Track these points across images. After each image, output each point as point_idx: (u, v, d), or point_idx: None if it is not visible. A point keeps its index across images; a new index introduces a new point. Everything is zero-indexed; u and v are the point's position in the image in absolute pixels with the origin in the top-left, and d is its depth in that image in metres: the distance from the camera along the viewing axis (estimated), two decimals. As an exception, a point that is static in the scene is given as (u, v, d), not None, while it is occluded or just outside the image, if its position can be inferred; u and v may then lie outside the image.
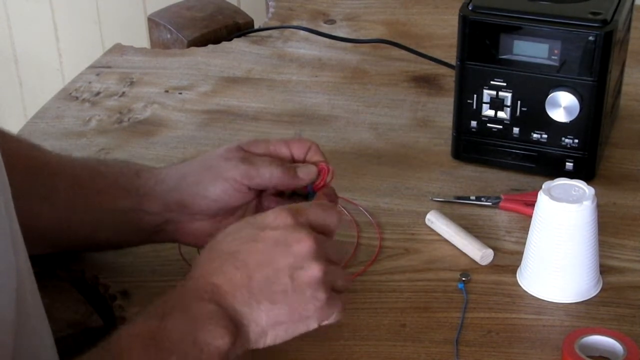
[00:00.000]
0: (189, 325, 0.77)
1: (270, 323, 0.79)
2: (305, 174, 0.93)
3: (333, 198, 0.93)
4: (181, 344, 0.76)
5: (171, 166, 0.99)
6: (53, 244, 0.97)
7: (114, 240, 0.98)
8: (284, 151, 0.95)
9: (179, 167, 0.97)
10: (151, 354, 0.76)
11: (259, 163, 0.93)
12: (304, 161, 0.95)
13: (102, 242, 0.99)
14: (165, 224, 0.95)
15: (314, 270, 0.79)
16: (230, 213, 0.95)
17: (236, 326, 0.78)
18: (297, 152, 0.95)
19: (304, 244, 0.79)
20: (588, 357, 0.86)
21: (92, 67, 1.41)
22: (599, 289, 0.97)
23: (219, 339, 0.77)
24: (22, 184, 0.80)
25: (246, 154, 0.94)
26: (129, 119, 1.28)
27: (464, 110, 1.14)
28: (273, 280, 0.79)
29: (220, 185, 0.93)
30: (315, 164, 0.95)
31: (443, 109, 1.28)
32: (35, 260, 0.82)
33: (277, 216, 0.81)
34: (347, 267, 1.01)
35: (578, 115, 1.09)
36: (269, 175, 0.92)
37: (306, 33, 1.48)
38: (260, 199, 0.96)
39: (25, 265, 0.80)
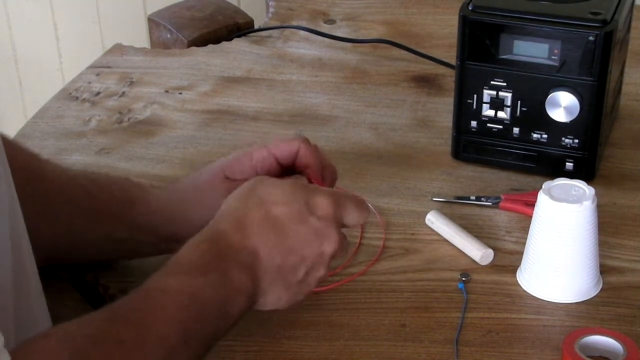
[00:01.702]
0: (225, 293, 0.79)
1: (273, 301, 0.83)
2: None
3: (334, 173, 0.95)
4: (214, 311, 0.78)
5: (163, 191, 0.97)
6: (52, 257, 0.96)
7: (112, 258, 0.99)
8: (269, 161, 0.94)
9: (170, 194, 0.96)
10: (190, 315, 0.76)
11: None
12: (294, 165, 0.94)
13: (98, 259, 0.99)
14: (160, 251, 0.95)
15: (323, 273, 0.85)
16: None
17: (254, 301, 0.82)
18: (283, 157, 0.94)
19: (333, 244, 0.84)
20: (588, 357, 0.86)
21: (92, 67, 1.41)
22: (599, 289, 0.97)
23: (238, 311, 0.80)
24: (20, 199, 0.80)
25: (231, 185, 0.91)
26: (129, 119, 1.28)
27: (464, 110, 1.14)
28: (297, 269, 0.83)
29: (207, 213, 0.90)
30: (303, 171, 0.93)
31: (443, 109, 1.28)
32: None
33: (327, 204, 0.83)
34: (347, 267, 1.01)
35: (578, 115, 1.09)
36: None
37: (306, 33, 1.48)
38: None
39: (31, 268, 0.80)
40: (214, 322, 0.78)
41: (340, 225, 0.84)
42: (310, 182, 0.92)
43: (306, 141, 0.94)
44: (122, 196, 0.96)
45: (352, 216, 0.86)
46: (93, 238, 0.95)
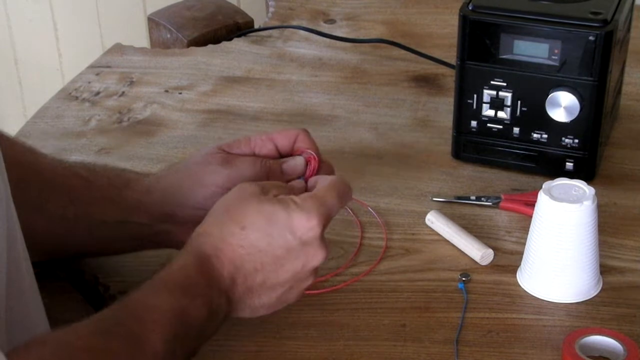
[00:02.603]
0: (205, 315, 0.81)
1: (251, 313, 0.86)
2: (291, 168, 0.92)
3: (332, 170, 0.94)
4: (196, 328, 0.81)
5: (158, 174, 0.97)
6: (47, 252, 0.96)
7: (108, 249, 0.98)
8: (268, 147, 0.94)
9: (164, 176, 0.96)
10: (175, 331, 0.79)
11: (240, 165, 0.92)
12: (291, 152, 0.94)
13: (95, 251, 0.98)
14: (156, 235, 0.95)
15: (310, 282, 0.86)
16: None
17: (229, 316, 0.85)
18: (283, 143, 0.94)
19: (317, 260, 0.84)
20: (588, 357, 0.86)
21: (92, 67, 1.41)
22: (599, 289, 0.97)
23: (215, 328, 0.83)
24: (14, 194, 0.80)
25: (226, 156, 0.93)
26: (128, 119, 1.28)
27: (464, 110, 1.14)
28: (280, 284, 0.84)
29: (201, 192, 0.92)
30: (301, 153, 0.93)
31: (443, 109, 1.28)
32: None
33: (307, 222, 0.82)
34: (349, 268, 1.01)
35: (578, 115, 1.09)
36: (252, 178, 0.91)
37: (306, 33, 1.48)
38: None
39: (26, 265, 0.81)
40: (195, 336, 0.81)
41: (323, 235, 0.84)
42: (307, 164, 0.92)
43: (305, 130, 0.95)
44: (117, 180, 0.96)
45: (336, 209, 0.85)
46: (88, 226, 0.94)
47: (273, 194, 0.84)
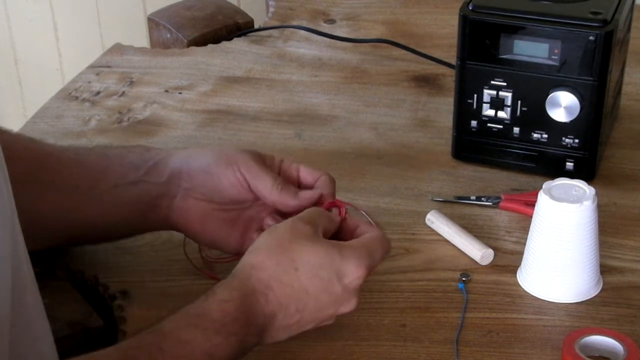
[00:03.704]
0: (237, 352, 0.82)
1: (279, 338, 0.86)
2: (306, 199, 0.93)
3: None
4: None
5: (185, 148, 1.00)
6: (52, 234, 0.96)
7: (111, 217, 0.97)
8: (292, 172, 0.95)
9: (191, 150, 0.99)
10: None
11: (265, 172, 0.93)
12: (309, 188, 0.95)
13: (98, 225, 0.97)
14: (161, 197, 0.95)
15: (330, 323, 0.87)
16: (225, 204, 0.94)
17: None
18: (305, 178, 0.95)
19: (349, 308, 0.85)
20: (588, 357, 0.86)
21: (92, 67, 1.41)
22: (599, 289, 0.97)
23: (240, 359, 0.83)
24: (25, 170, 0.81)
25: (257, 159, 0.94)
26: (128, 119, 1.28)
27: (464, 110, 1.14)
28: (305, 326, 0.86)
29: (226, 170, 0.93)
30: (321, 193, 0.93)
31: (443, 109, 1.28)
32: (35, 260, 0.82)
33: (356, 272, 0.84)
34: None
35: (578, 115, 1.09)
36: (269, 189, 0.92)
37: (306, 33, 1.48)
38: (257, 205, 0.96)
39: (26, 265, 0.80)
40: None
41: (361, 288, 0.86)
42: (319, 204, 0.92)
43: (329, 175, 0.95)
44: (137, 147, 0.99)
45: (377, 264, 0.87)
46: (100, 194, 0.95)
47: (323, 230, 0.85)
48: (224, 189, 0.93)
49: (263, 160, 0.94)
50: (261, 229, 0.95)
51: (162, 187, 0.95)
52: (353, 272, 0.84)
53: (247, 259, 0.84)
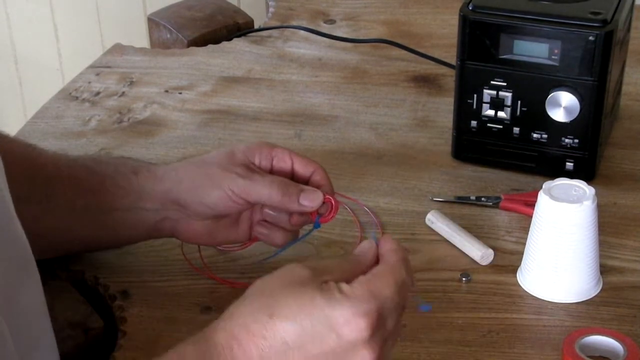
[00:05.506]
0: None
1: None
2: (310, 201, 0.90)
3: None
4: None
5: (169, 165, 0.97)
6: (53, 248, 0.97)
7: (113, 239, 0.98)
8: (286, 162, 0.93)
9: (177, 168, 0.95)
10: None
11: (258, 181, 0.91)
12: (307, 181, 0.93)
13: (101, 242, 0.99)
14: (162, 221, 0.95)
15: None
16: (225, 216, 0.95)
17: None
18: (300, 169, 0.93)
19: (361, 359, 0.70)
20: (588, 357, 0.86)
21: (92, 67, 1.41)
22: (599, 289, 0.97)
23: None
24: (19, 189, 0.80)
25: (245, 171, 0.91)
26: (128, 119, 1.28)
27: (464, 110, 1.14)
28: None
29: (217, 194, 0.91)
30: (322, 193, 0.92)
31: (443, 109, 1.28)
32: (35, 260, 0.82)
33: (355, 320, 0.68)
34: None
35: (578, 115, 1.09)
36: (267, 197, 0.90)
37: (306, 33, 1.48)
38: (255, 208, 0.96)
39: (32, 267, 0.80)
40: None
41: (375, 335, 0.69)
42: (329, 209, 0.92)
43: (323, 169, 0.94)
44: (124, 168, 0.96)
45: (392, 303, 0.70)
46: (96, 217, 0.94)
47: (324, 279, 0.70)
48: (220, 210, 0.93)
49: (247, 174, 0.90)
50: (264, 219, 0.95)
51: (161, 213, 0.95)
52: (348, 320, 0.68)
53: (230, 307, 0.72)
